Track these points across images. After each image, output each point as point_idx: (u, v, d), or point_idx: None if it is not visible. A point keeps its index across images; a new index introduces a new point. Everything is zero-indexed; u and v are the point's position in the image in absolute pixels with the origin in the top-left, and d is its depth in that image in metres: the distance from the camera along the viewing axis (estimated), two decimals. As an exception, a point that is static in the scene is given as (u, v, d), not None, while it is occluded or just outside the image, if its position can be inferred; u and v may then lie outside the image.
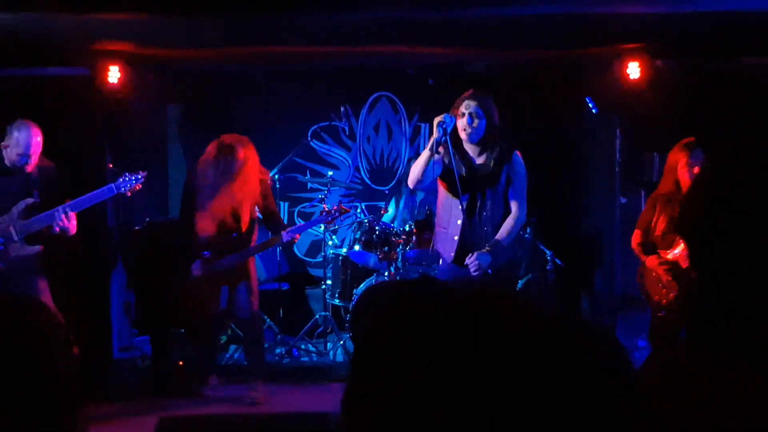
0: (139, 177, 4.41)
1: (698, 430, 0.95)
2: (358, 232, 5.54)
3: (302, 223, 6.27)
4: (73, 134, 5.37)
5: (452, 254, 4.09)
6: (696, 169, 4.14)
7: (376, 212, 6.08)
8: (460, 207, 4.01)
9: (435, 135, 3.89)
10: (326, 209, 5.12)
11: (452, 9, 4.60)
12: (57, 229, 4.15)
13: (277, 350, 5.71)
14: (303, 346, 5.83)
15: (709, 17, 4.68)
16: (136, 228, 5.73)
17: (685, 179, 4.20)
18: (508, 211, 4.12)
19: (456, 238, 4.07)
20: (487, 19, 4.80)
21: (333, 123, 6.78)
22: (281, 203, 6.37)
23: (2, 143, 4.25)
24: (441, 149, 3.95)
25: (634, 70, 5.55)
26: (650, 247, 4.36)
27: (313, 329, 5.88)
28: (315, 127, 6.70)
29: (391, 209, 6.23)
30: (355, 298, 5.50)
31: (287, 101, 6.52)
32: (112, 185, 4.35)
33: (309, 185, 6.71)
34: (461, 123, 4.00)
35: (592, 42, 5.41)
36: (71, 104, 5.47)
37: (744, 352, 0.98)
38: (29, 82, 5.69)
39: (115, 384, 5.27)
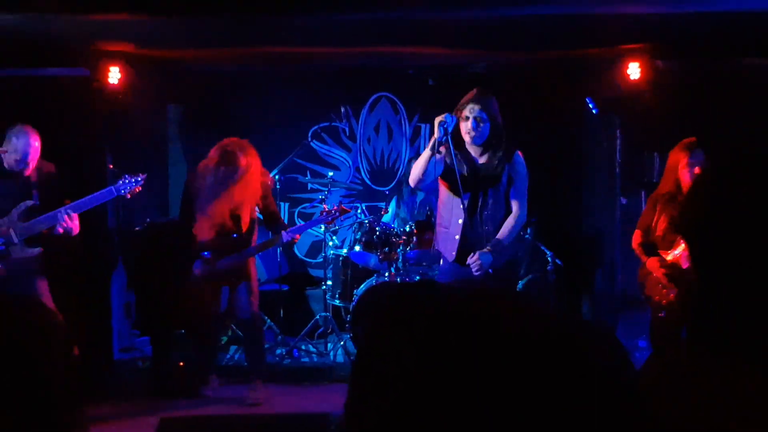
0: (139, 179, 4.41)
1: (698, 430, 0.95)
2: (359, 233, 5.54)
3: (302, 223, 6.28)
4: (74, 135, 5.37)
5: (453, 253, 4.09)
6: (697, 169, 4.13)
7: (376, 213, 6.08)
8: (461, 206, 4.01)
9: (436, 134, 3.88)
10: (326, 209, 5.12)
11: (452, 9, 4.60)
12: (60, 230, 4.15)
13: (278, 351, 5.71)
14: (303, 347, 5.83)
15: (709, 18, 4.68)
16: (137, 229, 5.74)
17: (685, 179, 4.20)
18: (509, 211, 4.13)
19: (457, 237, 4.07)
20: (488, 20, 4.80)
21: (333, 123, 6.79)
22: (282, 204, 6.37)
23: (1, 148, 4.25)
24: (442, 149, 3.95)
25: (634, 70, 5.55)
26: (651, 247, 4.36)
27: (313, 330, 5.88)
28: (315, 127, 6.70)
29: (391, 209, 6.24)
30: (355, 298, 5.50)
31: (287, 102, 6.52)
32: (112, 188, 4.35)
33: (309, 186, 6.72)
34: (465, 127, 4.00)
35: (593, 42, 5.42)
36: (71, 105, 5.48)
37: (744, 352, 0.98)
38: (29, 83, 5.70)
39: (115, 385, 5.27)
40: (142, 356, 5.73)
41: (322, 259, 6.08)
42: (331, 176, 6.11)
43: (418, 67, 6.50)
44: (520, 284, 5.74)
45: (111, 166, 5.64)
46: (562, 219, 6.38)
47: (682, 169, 4.22)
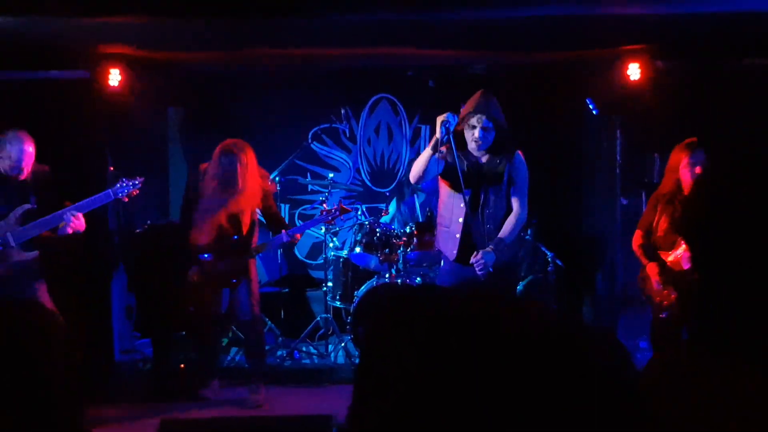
0: (137, 182, 4.41)
1: (699, 430, 0.95)
2: (359, 234, 5.54)
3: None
4: (74, 137, 5.38)
5: (454, 252, 4.10)
6: (697, 170, 4.13)
7: (376, 214, 6.08)
8: (462, 204, 4.01)
9: (438, 134, 3.89)
10: (326, 209, 5.12)
11: (452, 10, 4.60)
12: (69, 230, 4.16)
13: (279, 352, 5.71)
14: (304, 349, 5.83)
15: (710, 18, 4.68)
16: (137, 231, 5.74)
17: (686, 179, 4.20)
18: (509, 210, 4.13)
19: (458, 235, 4.08)
20: (488, 21, 4.81)
21: (333, 125, 6.79)
22: (282, 205, 6.37)
23: None
24: (444, 148, 3.95)
25: (634, 71, 5.55)
26: (651, 248, 4.35)
27: (314, 331, 5.88)
28: (315, 129, 6.69)
29: (391, 211, 6.24)
30: (356, 300, 5.50)
31: (288, 103, 6.53)
32: (110, 191, 4.35)
33: (310, 187, 6.72)
34: (472, 135, 4.01)
35: (593, 43, 5.41)
36: (72, 107, 5.47)
37: (744, 352, 0.98)
38: (30, 85, 5.70)
39: (116, 387, 5.26)
40: (142, 358, 5.73)
41: (322, 261, 6.07)
42: (332, 178, 6.11)
43: (418, 68, 6.50)
44: (521, 285, 5.74)
45: (112, 168, 5.64)
46: (562, 219, 6.38)
47: (682, 169, 4.21)
